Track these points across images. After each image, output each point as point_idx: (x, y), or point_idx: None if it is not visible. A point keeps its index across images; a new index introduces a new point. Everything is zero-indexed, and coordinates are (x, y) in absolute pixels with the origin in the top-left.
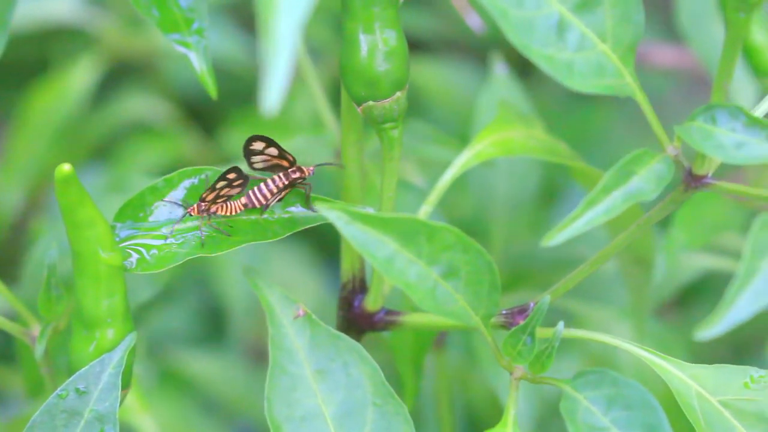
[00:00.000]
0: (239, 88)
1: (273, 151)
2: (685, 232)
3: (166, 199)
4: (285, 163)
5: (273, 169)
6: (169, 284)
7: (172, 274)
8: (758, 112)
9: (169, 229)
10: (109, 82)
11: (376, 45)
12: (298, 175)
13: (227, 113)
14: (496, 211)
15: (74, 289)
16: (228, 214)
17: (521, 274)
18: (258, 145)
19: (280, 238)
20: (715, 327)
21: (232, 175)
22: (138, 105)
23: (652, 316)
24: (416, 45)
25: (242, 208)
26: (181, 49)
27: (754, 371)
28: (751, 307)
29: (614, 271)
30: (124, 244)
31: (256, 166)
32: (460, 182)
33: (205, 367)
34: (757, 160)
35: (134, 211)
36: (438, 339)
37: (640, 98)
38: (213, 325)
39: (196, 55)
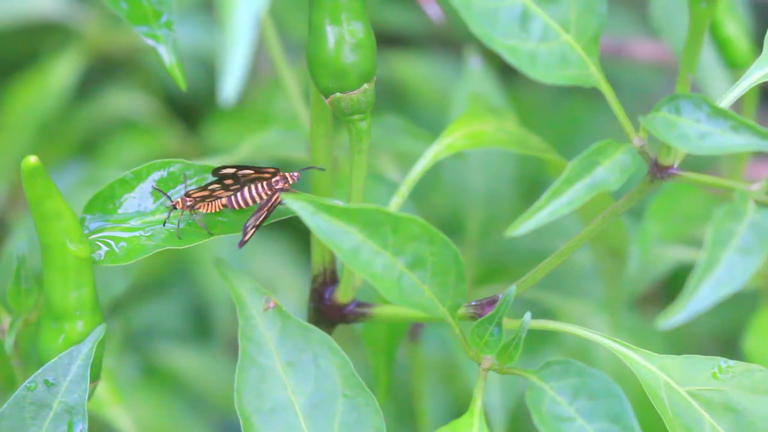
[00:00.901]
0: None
1: (248, 171)
2: (658, 224)
3: (156, 188)
4: (267, 176)
5: (256, 181)
6: (154, 279)
7: (156, 269)
8: (723, 103)
9: (138, 221)
10: (93, 78)
11: (343, 37)
12: (281, 185)
13: (210, 108)
14: (471, 205)
15: (43, 281)
16: (208, 212)
17: (498, 268)
18: (228, 171)
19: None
20: (677, 316)
21: (229, 181)
22: (121, 100)
23: (630, 309)
24: (399, 40)
25: (221, 208)
26: (150, 42)
27: (722, 362)
28: (713, 297)
29: (591, 264)
30: (93, 236)
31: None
32: (436, 177)
33: (189, 362)
34: (721, 150)
35: (104, 204)
36: (413, 332)
37: (605, 88)
38: (197, 321)
39: (165, 48)
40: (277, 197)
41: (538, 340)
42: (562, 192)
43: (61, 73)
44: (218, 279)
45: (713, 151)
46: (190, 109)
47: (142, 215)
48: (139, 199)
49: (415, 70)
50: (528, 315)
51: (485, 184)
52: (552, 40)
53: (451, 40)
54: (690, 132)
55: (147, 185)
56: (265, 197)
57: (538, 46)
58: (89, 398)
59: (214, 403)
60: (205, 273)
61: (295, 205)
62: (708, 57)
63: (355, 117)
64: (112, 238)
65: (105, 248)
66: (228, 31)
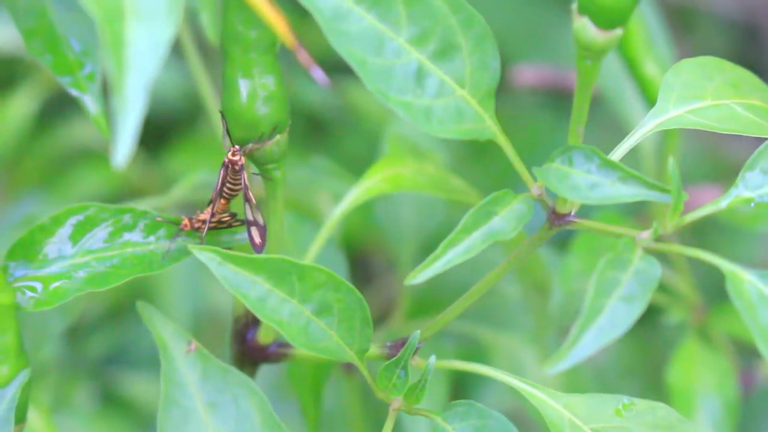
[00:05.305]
0: (180, 113)
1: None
2: (580, 260)
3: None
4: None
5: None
6: (114, 306)
7: (116, 296)
8: (616, 155)
9: (58, 266)
10: (52, 109)
11: (255, 90)
12: (238, 161)
13: (170, 137)
14: (403, 238)
15: None
16: (215, 219)
17: (430, 302)
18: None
19: (163, 269)
20: (561, 363)
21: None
22: (81, 131)
23: (560, 342)
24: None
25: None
26: (74, 92)
27: (625, 399)
28: (596, 344)
29: (522, 298)
30: (19, 283)
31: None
32: (368, 215)
33: (148, 389)
34: (609, 201)
35: (25, 250)
36: (348, 366)
37: (502, 141)
38: (156, 348)
39: (89, 98)
40: (240, 167)
41: (474, 379)
42: (459, 241)
43: (18, 105)
44: (176, 305)
45: (602, 201)
46: (151, 138)
47: (62, 259)
48: (59, 243)
49: (366, 97)
50: (433, 358)
51: (416, 217)
52: (447, 96)
53: None
54: (581, 183)
55: (65, 230)
56: (235, 181)
57: (434, 101)
58: None
59: None
60: (164, 299)
61: (202, 255)
62: (632, 96)
63: (270, 166)
64: (32, 287)
65: (29, 293)
66: (120, 98)
